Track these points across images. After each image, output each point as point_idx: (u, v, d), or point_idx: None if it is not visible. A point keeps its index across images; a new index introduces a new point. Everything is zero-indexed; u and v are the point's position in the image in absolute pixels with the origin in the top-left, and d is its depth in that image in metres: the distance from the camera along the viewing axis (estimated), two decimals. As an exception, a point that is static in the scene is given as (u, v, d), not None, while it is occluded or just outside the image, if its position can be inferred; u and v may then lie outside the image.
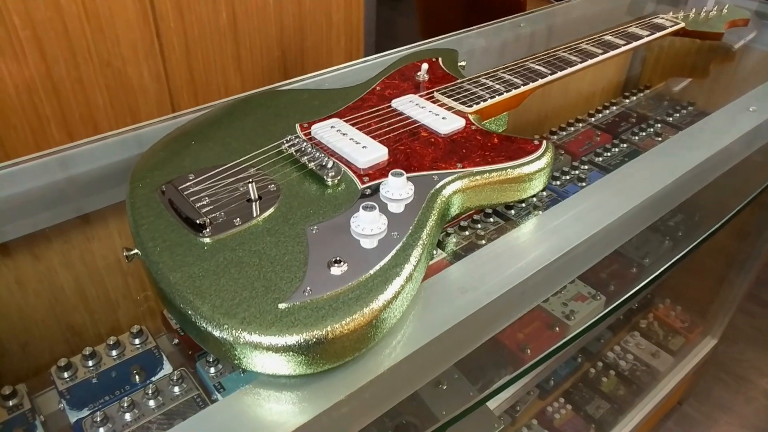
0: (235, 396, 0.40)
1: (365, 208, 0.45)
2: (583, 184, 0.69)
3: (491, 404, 1.00)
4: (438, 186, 0.50)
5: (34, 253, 0.65)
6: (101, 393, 0.47)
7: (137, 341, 0.52)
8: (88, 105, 0.97)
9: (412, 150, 0.55)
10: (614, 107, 0.96)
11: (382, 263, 0.42)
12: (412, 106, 0.61)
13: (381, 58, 0.80)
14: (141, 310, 0.69)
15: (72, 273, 0.67)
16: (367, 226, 0.44)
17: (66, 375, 0.48)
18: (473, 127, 0.58)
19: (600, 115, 0.93)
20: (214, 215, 0.46)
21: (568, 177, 0.74)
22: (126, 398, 0.45)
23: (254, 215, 0.46)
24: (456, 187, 0.51)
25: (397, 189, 0.48)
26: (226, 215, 0.46)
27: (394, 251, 0.43)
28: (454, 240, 0.59)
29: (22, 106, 0.89)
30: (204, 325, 0.39)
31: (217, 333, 0.38)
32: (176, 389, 0.47)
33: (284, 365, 0.39)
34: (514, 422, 1.15)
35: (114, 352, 0.50)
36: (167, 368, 0.49)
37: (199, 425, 0.38)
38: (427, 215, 0.47)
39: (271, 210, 0.47)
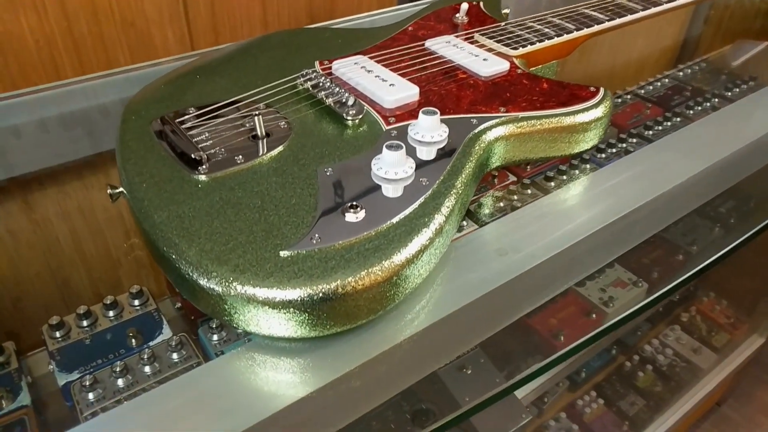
0: (225, 359, 0.34)
1: (389, 147, 0.38)
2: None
3: (519, 393, 0.93)
4: (477, 130, 0.43)
5: (28, 201, 0.59)
6: (94, 356, 0.43)
7: (137, 302, 0.47)
8: (109, 64, 0.92)
9: (448, 92, 0.47)
10: (666, 79, 0.87)
11: (407, 211, 0.35)
12: (448, 47, 0.53)
13: (417, 6, 0.73)
14: (129, 258, 0.63)
15: (69, 225, 0.62)
16: (391, 168, 0.37)
17: (58, 334, 0.45)
18: (519, 71, 0.50)
19: (651, 87, 0.84)
20: (212, 151, 0.40)
21: (614, 150, 0.67)
22: (119, 363, 0.41)
23: (260, 153, 0.40)
24: (498, 134, 0.43)
25: (429, 130, 0.40)
26: (227, 152, 0.40)
27: (422, 198, 0.36)
28: (487, 212, 0.52)
29: (42, 62, 0.84)
30: (189, 272, 0.32)
31: (203, 282, 0.32)
32: (174, 356, 0.43)
33: (284, 324, 0.32)
34: (540, 414, 1.08)
35: (111, 313, 0.46)
36: (167, 333, 0.45)
37: (178, 390, 0.32)
38: (462, 162, 0.40)
39: (280, 148, 0.40)
